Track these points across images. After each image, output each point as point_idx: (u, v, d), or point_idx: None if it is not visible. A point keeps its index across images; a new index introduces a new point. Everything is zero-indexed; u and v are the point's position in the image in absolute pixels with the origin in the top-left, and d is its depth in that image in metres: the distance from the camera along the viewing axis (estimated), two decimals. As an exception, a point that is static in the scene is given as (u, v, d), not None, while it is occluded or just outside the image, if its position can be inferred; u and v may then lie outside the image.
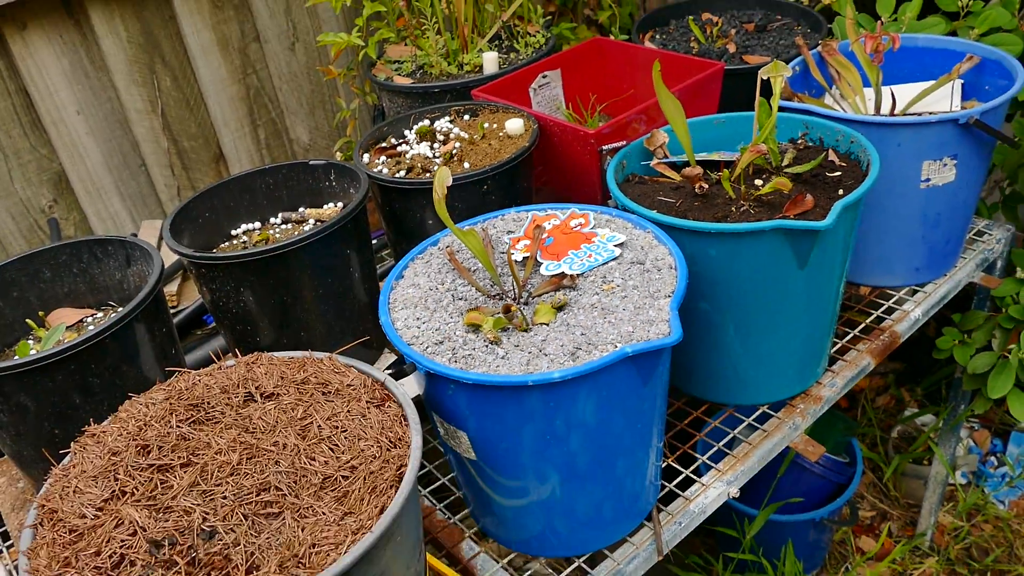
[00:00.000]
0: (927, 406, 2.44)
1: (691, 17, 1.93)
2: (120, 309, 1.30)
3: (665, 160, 1.36)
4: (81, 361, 1.10)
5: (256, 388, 1.04)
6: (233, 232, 1.44)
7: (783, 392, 1.36)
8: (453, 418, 1.05)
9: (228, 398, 1.03)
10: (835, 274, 1.26)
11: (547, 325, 1.03)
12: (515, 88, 1.64)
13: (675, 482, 1.28)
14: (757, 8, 1.96)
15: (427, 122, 1.53)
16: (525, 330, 1.03)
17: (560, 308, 1.06)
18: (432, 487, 1.34)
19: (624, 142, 1.39)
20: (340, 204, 1.44)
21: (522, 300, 1.11)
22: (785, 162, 1.32)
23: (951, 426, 2.00)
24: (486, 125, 1.50)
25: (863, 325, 1.51)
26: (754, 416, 1.36)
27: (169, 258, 1.68)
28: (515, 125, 1.43)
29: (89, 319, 1.31)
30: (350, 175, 1.40)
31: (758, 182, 1.28)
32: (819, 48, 1.59)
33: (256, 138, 2.07)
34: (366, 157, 1.47)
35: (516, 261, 1.17)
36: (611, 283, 1.08)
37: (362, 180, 1.34)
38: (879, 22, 1.75)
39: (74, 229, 1.85)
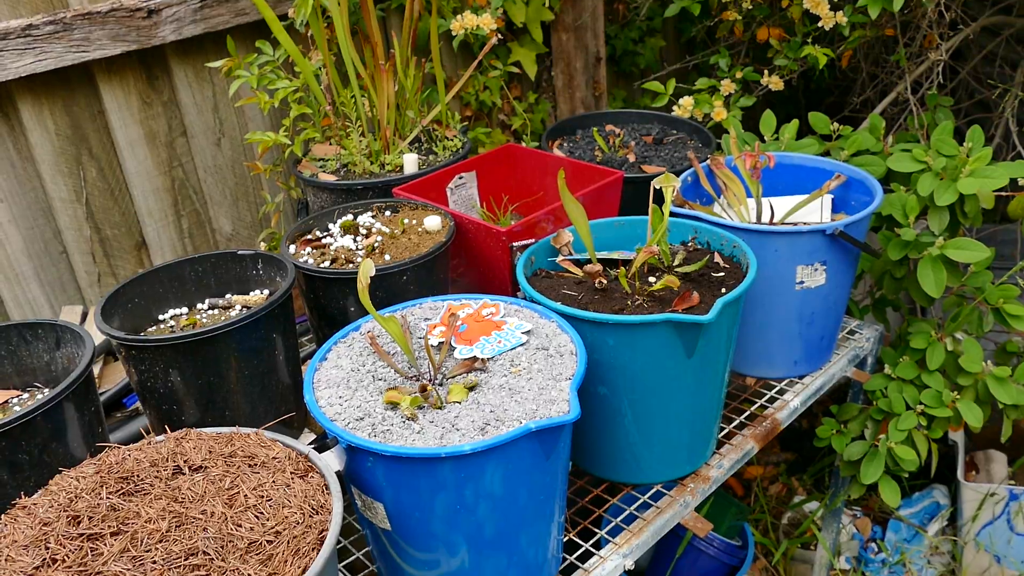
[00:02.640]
0: (815, 494, 2.59)
1: (595, 128, 2.11)
2: (47, 390, 1.34)
3: (570, 257, 1.49)
4: (12, 438, 1.15)
5: (185, 461, 1.10)
6: (161, 317, 1.50)
7: (675, 472, 1.48)
8: (371, 490, 1.13)
9: (158, 471, 1.09)
10: (720, 363, 1.40)
11: (459, 403, 1.13)
12: (433, 187, 1.77)
13: (576, 555, 1.37)
14: (655, 123, 2.16)
15: (351, 217, 1.65)
16: (439, 408, 1.13)
17: (472, 388, 1.16)
18: (347, 561, 1.40)
19: (533, 240, 1.52)
20: (266, 291, 1.53)
21: (437, 381, 1.21)
22: (676, 262, 1.47)
23: (830, 510, 2.15)
24: (406, 221, 1.61)
25: (748, 412, 1.66)
26: (649, 494, 1.47)
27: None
28: (433, 222, 1.56)
29: (15, 400, 1.35)
30: (277, 264, 1.49)
31: (652, 279, 1.42)
32: (708, 162, 1.77)
33: (179, 228, 2.14)
34: (292, 248, 1.56)
35: (432, 345, 1.27)
36: (518, 366, 1.19)
37: (288, 269, 1.44)
38: (760, 141, 1.96)
39: (-10, 313, 1.88)
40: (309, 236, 1.60)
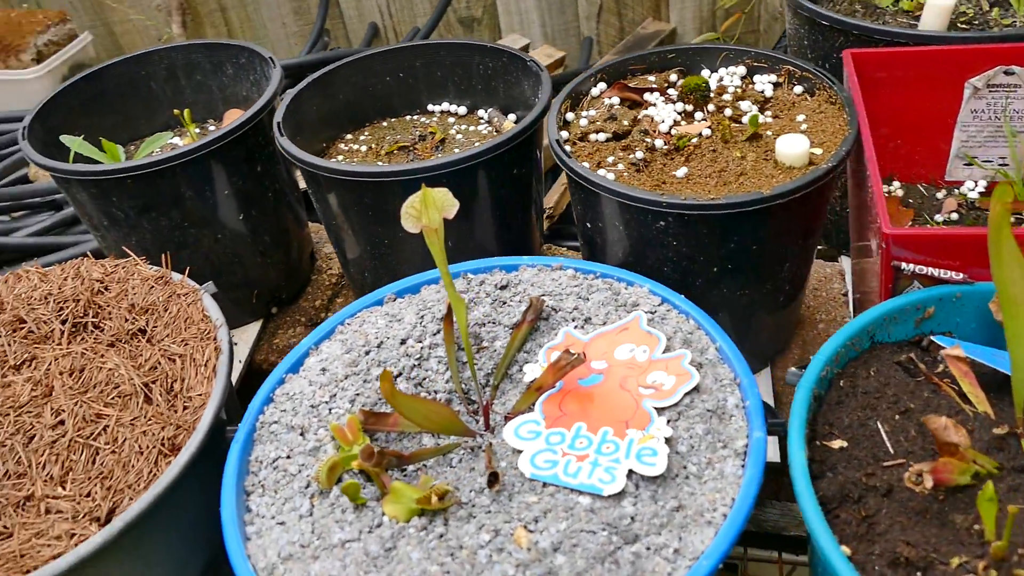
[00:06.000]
0: None
1: None
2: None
3: None
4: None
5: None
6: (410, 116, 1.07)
7: None
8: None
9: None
10: None
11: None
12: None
13: None
14: None
15: (720, 73, 0.94)
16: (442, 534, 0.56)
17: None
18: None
19: (961, 278, 0.69)
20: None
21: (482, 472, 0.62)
22: None
23: None
24: (800, 119, 0.86)
25: None
26: None
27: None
28: (795, 147, 0.79)
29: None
30: (535, 80, 0.94)
31: None
32: None
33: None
34: (596, 89, 0.94)
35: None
36: None
37: (543, 98, 0.88)
38: None
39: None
40: (631, 83, 0.95)
